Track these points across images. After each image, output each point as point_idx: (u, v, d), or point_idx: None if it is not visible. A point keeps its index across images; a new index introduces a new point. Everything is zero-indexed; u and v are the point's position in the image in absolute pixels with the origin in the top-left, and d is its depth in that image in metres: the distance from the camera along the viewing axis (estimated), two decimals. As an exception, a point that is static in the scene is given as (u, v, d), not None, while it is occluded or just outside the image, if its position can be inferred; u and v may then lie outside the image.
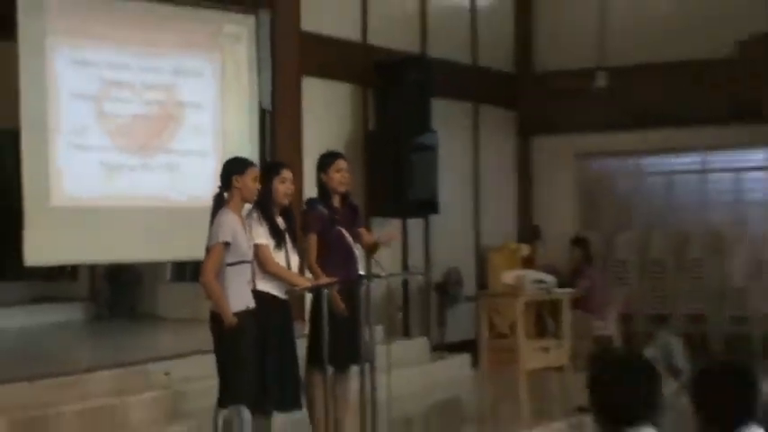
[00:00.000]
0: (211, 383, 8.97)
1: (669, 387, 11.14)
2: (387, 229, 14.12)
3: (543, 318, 14.01)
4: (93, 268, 15.82)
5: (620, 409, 4.49)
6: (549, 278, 14.19)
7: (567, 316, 13.84)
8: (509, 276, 13.79)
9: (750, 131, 18.04)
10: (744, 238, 18.87)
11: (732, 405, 4.44)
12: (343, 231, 9.71)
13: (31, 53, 11.97)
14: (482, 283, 16.71)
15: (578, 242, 17.36)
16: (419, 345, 15.18)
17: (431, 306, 16.89)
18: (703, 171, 19.61)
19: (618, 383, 4.46)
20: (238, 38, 13.83)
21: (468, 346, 15.69)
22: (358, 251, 9.77)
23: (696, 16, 18.07)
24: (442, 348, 15.83)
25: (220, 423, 8.64)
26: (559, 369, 13.59)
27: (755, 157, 19.20)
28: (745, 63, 17.40)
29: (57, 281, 15.31)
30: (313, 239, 9.72)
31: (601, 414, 4.52)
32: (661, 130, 18.22)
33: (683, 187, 19.76)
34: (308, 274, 9.82)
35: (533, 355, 13.31)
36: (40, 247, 11.26)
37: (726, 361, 5.57)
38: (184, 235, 11.75)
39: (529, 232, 18.23)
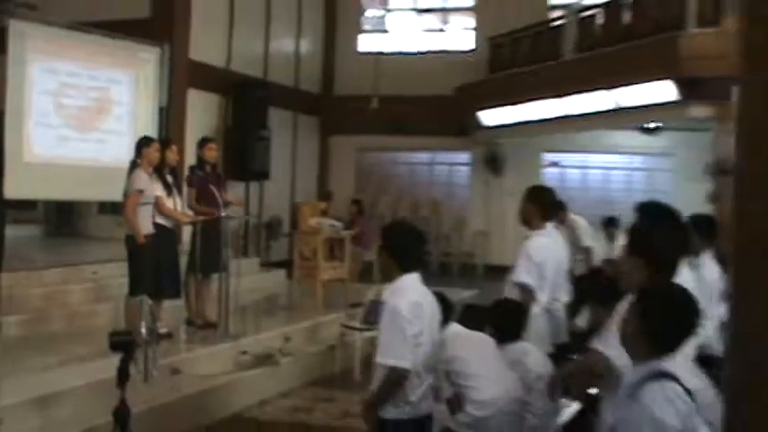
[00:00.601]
0: (124, 280, 9.44)
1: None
2: (236, 192, 14.38)
3: (333, 248, 13.92)
4: (47, 202, 15.72)
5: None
6: (338, 223, 14.16)
7: (347, 247, 13.85)
8: (313, 221, 13.73)
9: (460, 141, 19.50)
10: (451, 206, 20.28)
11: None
12: (213, 188, 10.19)
13: (16, 63, 12.18)
14: (294, 225, 16.70)
15: (355, 202, 17.90)
16: (254, 262, 15.51)
17: (261, 238, 17.38)
18: (431, 164, 20.93)
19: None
20: (148, 61, 13.97)
21: (284, 264, 16.06)
22: (221, 202, 10.08)
23: (434, 70, 19.07)
24: (268, 265, 16.28)
25: (130, 305, 8.98)
26: (342, 280, 13.55)
27: (462, 156, 20.51)
28: (460, 99, 18.51)
29: (24, 209, 14.69)
30: (193, 192, 10.36)
31: None
32: (408, 136, 19.32)
33: (419, 173, 21.07)
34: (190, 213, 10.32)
35: (327, 271, 13.22)
36: (15, 188, 10.53)
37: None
38: (108, 184, 11.33)
39: (324, 195, 18.68)
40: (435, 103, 18.64)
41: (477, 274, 18.32)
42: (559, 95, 15.94)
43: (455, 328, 5.91)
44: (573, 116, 16.04)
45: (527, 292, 6.49)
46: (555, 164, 19.88)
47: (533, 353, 6.12)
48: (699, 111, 13.79)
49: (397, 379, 4.89)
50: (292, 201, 18.63)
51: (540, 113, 16.85)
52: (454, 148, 20.11)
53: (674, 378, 3.37)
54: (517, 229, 19.12)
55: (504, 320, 6.17)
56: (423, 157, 20.91)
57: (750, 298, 2.82)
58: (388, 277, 5.15)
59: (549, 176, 19.90)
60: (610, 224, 13.54)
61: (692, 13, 13.44)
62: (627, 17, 14.86)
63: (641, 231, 4.23)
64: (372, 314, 10.97)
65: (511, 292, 6.59)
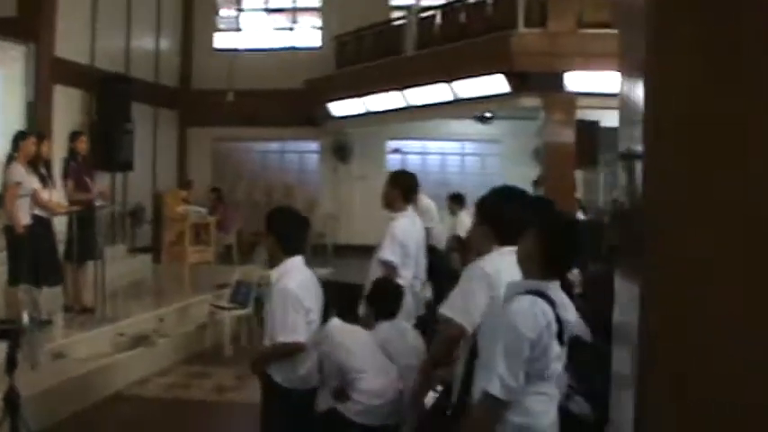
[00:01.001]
0: (3, 268, 9.30)
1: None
2: (103, 181, 13.83)
3: (199, 232, 13.92)
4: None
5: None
6: (203, 210, 14.40)
7: (211, 232, 13.97)
8: (180, 209, 13.72)
9: (309, 131, 19.46)
10: (303, 190, 20.07)
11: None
12: (86, 178, 10.28)
13: None
14: (157, 212, 16.39)
15: (214, 190, 18.02)
16: (121, 248, 15.39)
17: (126, 225, 16.96)
18: (283, 152, 20.84)
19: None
20: (16, 58, 13.45)
21: (149, 250, 16.00)
22: (95, 191, 10.28)
23: (285, 66, 18.93)
24: (134, 250, 16.12)
25: (10, 294, 8.77)
26: (208, 263, 13.59)
27: (312, 145, 20.47)
28: (309, 93, 18.47)
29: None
30: (71, 183, 10.16)
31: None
32: (262, 127, 19.20)
33: (272, 161, 20.94)
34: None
35: (194, 254, 13.25)
36: None
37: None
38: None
39: (185, 183, 18.19)
40: (286, 97, 18.51)
41: (328, 253, 18.24)
42: (402, 88, 16.12)
43: (335, 322, 5.75)
44: (415, 107, 16.25)
45: (391, 269, 6.48)
46: (397, 150, 20.10)
47: (410, 330, 6.10)
48: (528, 101, 14.25)
49: (291, 352, 4.94)
50: (154, 190, 18.11)
51: (384, 105, 16.99)
52: (304, 138, 20.09)
53: (547, 297, 3.37)
54: (363, 211, 19.47)
55: (383, 299, 6.08)
56: (275, 146, 20.83)
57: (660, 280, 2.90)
58: (275, 260, 5.12)
59: (392, 162, 19.97)
60: (455, 200, 13.76)
61: (521, 16, 13.78)
62: (462, 17, 15.15)
63: (489, 202, 4.24)
64: (239, 294, 11.10)
65: (376, 270, 6.54)
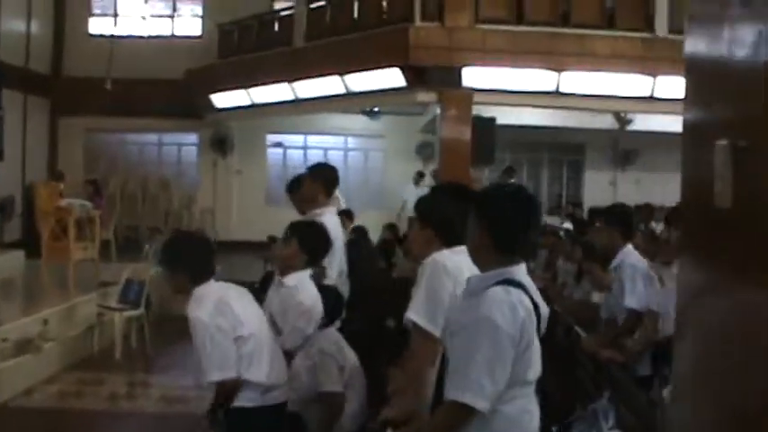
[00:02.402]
0: None
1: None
2: None
3: (83, 227, 13.04)
4: None
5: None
6: (88, 203, 13.30)
7: (96, 227, 12.85)
8: (64, 202, 12.71)
9: (189, 123, 18.73)
10: (180, 184, 19.36)
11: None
12: None
13: None
14: (29, 205, 15.37)
15: (91, 182, 16.47)
16: None
17: None
18: (160, 144, 20.11)
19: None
20: None
21: (21, 245, 14.82)
22: None
23: (164, 54, 18.20)
24: (3, 246, 14.98)
25: None
26: (93, 260, 12.68)
27: (191, 137, 19.84)
28: (190, 83, 17.74)
29: None
30: None
31: None
32: (138, 118, 18.24)
33: (149, 153, 20.23)
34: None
35: (78, 251, 12.27)
36: None
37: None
38: None
39: (57, 175, 16.53)
40: (166, 87, 17.63)
41: (207, 249, 17.44)
42: (292, 80, 15.55)
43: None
44: (305, 100, 15.70)
45: (320, 269, 5.93)
46: (279, 144, 19.83)
47: (345, 344, 5.57)
48: (424, 96, 13.93)
49: (231, 389, 4.41)
50: (24, 181, 17.07)
51: (271, 97, 16.40)
52: (183, 130, 19.48)
53: (521, 286, 3.01)
54: (242, 206, 18.85)
55: (326, 308, 5.39)
56: (152, 137, 20.06)
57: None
58: (181, 291, 4.55)
59: (273, 157, 20.01)
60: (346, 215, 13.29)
61: (418, 9, 13.44)
62: (356, 9, 14.69)
63: (429, 204, 4.06)
64: (129, 293, 10.42)
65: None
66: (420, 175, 17.42)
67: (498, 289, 2.96)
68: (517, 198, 3.14)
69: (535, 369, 3.02)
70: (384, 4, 14.34)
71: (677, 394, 2.52)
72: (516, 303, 2.93)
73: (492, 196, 3.22)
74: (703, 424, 2.41)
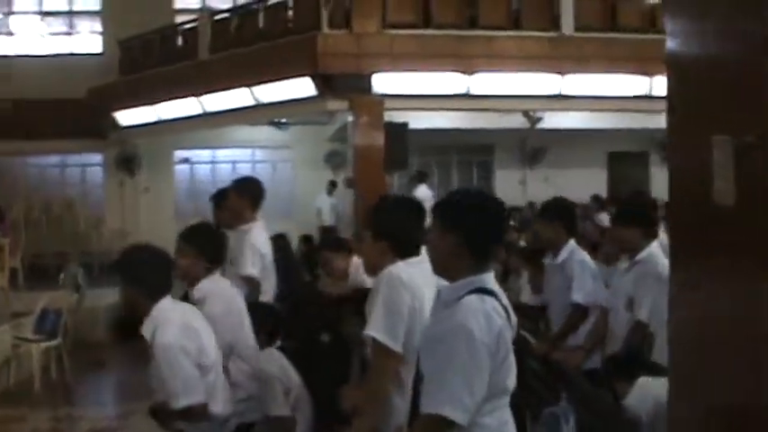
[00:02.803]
0: None
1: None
2: None
3: None
4: None
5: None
6: None
7: (4, 255, 12.31)
8: None
9: (93, 143, 18.10)
10: (87, 205, 18.64)
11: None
12: None
13: None
14: None
15: None
16: None
17: None
18: (64, 166, 19.49)
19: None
20: None
21: None
22: None
23: (64, 73, 17.28)
24: None
25: None
26: (2, 289, 12.01)
27: (96, 158, 19.25)
28: (92, 102, 17.17)
29: None
30: None
31: None
32: (39, 140, 17.41)
33: (52, 176, 19.52)
34: None
35: None
36: None
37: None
38: None
39: None
40: (67, 106, 16.98)
41: (119, 272, 16.89)
42: (199, 94, 15.19)
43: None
44: (213, 113, 15.37)
45: (254, 284, 5.96)
46: (186, 160, 19.41)
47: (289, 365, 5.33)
48: (334, 104, 13.80)
49: (199, 415, 4.08)
50: None
51: (178, 112, 16.00)
52: (87, 150, 18.82)
53: (494, 294, 2.93)
54: (151, 225, 18.30)
55: (265, 327, 5.23)
56: (54, 160, 19.35)
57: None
58: (139, 311, 4.17)
59: (181, 173, 19.60)
60: None
61: (325, 16, 13.28)
62: (261, 19, 14.44)
63: (382, 216, 3.92)
64: (45, 323, 10.05)
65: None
66: (333, 185, 17.29)
67: (472, 298, 2.87)
68: (490, 205, 3.07)
69: (512, 379, 2.92)
70: (290, 12, 14.12)
71: (677, 394, 2.44)
72: (491, 312, 2.84)
73: (465, 204, 3.07)
74: (707, 425, 2.31)
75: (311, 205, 17.42)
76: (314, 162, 18.73)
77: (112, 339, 10.97)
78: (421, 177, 15.64)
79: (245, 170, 19.25)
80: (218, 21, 15.27)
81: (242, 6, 15.01)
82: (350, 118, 13.86)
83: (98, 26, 19.09)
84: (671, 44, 2.40)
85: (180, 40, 16.20)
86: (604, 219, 14.05)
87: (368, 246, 3.94)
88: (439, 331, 2.90)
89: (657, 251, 4.95)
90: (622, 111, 14.77)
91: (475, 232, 2.96)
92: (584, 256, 5.62)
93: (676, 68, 2.39)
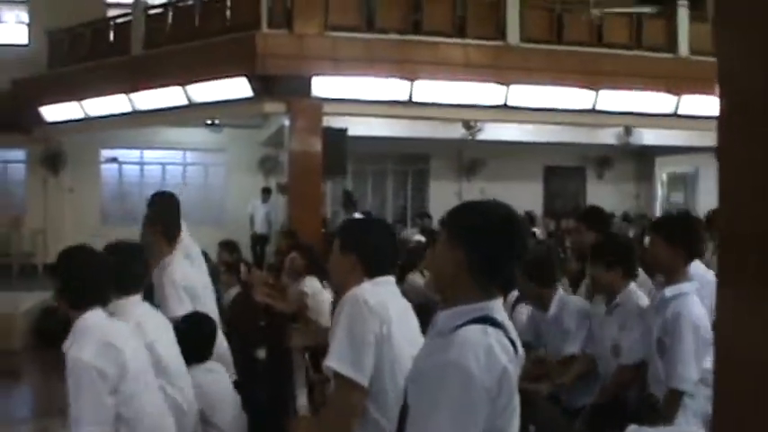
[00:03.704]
0: None
1: None
2: None
3: None
4: None
5: None
6: None
7: None
8: None
9: (15, 138, 16.99)
10: (6, 204, 17.88)
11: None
12: None
13: None
14: None
15: None
16: None
17: None
18: None
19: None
20: None
21: None
22: None
23: None
24: None
25: None
26: None
27: (18, 154, 18.33)
28: (16, 95, 16.41)
29: None
30: None
31: None
32: None
33: None
34: None
35: None
36: None
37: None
38: None
39: None
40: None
41: (39, 274, 16.01)
42: (129, 91, 14.46)
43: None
44: (144, 112, 14.63)
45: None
46: (114, 160, 18.66)
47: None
48: (271, 107, 13.31)
49: None
50: None
51: (107, 109, 15.22)
52: (9, 145, 17.78)
53: (501, 326, 2.47)
54: (75, 226, 17.62)
55: (193, 339, 4.68)
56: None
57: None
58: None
59: (108, 173, 18.86)
60: None
61: (265, 15, 12.73)
62: (197, 16, 13.76)
63: (354, 230, 3.69)
64: None
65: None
66: (266, 191, 16.76)
67: (474, 328, 2.41)
68: (509, 221, 2.54)
69: (515, 426, 2.47)
70: (228, 10, 13.51)
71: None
72: (495, 346, 2.38)
73: (478, 216, 2.56)
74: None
75: (244, 211, 16.86)
76: (247, 166, 18.22)
77: (31, 347, 10.28)
78: (349, 203, 14.84)
79: (175, 172, 18.97)
80: (152, 15, 14.55)
81: (178, 1, 14.26)
82: (286, 122, 13.32)
83: (24, 16, 18.24)
84: (724, 62, 2.18)
85: (112, 35, 15.38)
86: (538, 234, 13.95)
87: (335, 257, 3.50)
88: (430, 365, 2.44)
89: (634, 288, 4.63)
90: (566, 124, 14.59)
91: (485, 250, 2.48)
92: (580, 302, 5.18)
93: (729, 87, 2.18)
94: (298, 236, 9.97)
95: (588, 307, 5.02)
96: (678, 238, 4.19)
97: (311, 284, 7.53)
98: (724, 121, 2.12)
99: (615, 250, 4.73)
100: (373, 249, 3.39)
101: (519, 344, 2.52)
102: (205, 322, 4.89)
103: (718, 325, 2.12)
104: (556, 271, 5.22)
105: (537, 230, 14.32)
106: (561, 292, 5.12)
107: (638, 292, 4.61)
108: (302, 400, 4.37)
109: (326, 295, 7.43)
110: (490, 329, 2.42)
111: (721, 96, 2.11)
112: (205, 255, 6.72)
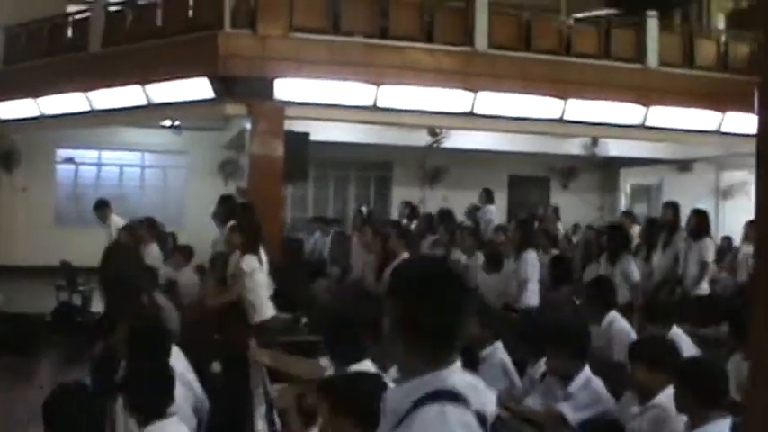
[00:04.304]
0: None
1: None
2: None
3: None
4: None
5: None
6: None
7: None
8: None
9: None
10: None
11: None
12: None
13: None
14: None
15: None
16: None
17: None
18: None
19: None
20: None
21: None
22: None
23: None
24: None
25: None
26: None
27: None
28: None
29: None
30: None
31: None
32: None
33: None
34: None
35: None
36: None
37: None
38: None
39: None
40: None
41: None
42: (86, 90, 14.02)
43: None
44: (101, 111, 14.19)
45: None
46: (70, 160, 18.20)
47: None
48: (233, 109, 12.97)
49: None
50: None
51: (63, 108, 14.76)
52: None
53: (460, 398, 2.16)
54: (27, 227, 17.17)
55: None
56: None
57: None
58: None
59: (63, 174, 18.39)
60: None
61: (228, 15, 12.38)
62: (159, 14, 13.40)
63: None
64: None
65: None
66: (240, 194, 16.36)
67: (431, 411, 2.12)
68: (449, 277, 2.29)
69: None
70: (190, 10, 13.16)
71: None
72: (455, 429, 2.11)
73: (403, 280, 2.31)
74: None
75: (204, 216, 16.44)
76: (208, 170, 17.86)
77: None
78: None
79: (133, 175, 18.64)
80: (112, 12, 14.07)
81: (138, -1, 13.90)
82: (248, 125, 13.00)
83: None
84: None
85: (70, 31, 14.89)
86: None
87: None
88: None
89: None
90: (534, 133, 14.42)
91: (429, 314, 2.20)
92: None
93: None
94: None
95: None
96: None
97: (248, 263, 7.46)
98: (764, 135, 2.11)
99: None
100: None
101: (489, 408, 2.24)
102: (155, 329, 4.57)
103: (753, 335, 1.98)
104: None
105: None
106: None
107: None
108: (260, 418, 4.08)
109: (262, 275, 7.53)
110: (449, 408, 2.13)
111: (761, 110, 2.09)
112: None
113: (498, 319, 5.92)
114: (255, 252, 7.53)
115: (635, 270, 8.56)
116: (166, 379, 3.87)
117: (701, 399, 3.86)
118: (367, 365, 3.84)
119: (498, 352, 5.53)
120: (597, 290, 6.57)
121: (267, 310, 7.44)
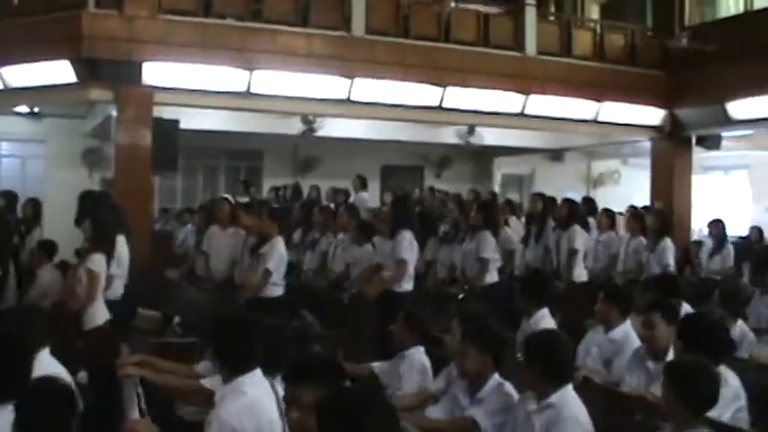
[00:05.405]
0: None
1: None
2: None
3: None
4: None
5: None
6: None
7: None
8: None
9: None
10: None
11: None
12: None
13: None
14: None
15: None
16: None
17: None
18: None
19: None
20: None
21: None
22: None
23: None
24: None
25: None
26: None
27: None
28: None
29: None
30: None
31: None
32: None
33: None
34: None
35: None
36: None
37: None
38: None
39: None
40: None
41: None
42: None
43: None
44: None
45: None
46: None
47: None
48: (97, 94, 12.26)
49: None
50: None
51: None
52: None
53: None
54: None
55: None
56: None
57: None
58: None
59: None
60: None
61: (93, -6, 11.77)
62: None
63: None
64: None
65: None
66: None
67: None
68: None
69: None
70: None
71: None
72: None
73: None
74: None
75: (66, 208, 15.74)
76: (70, 159, 17.04)
77: None
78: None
79: None
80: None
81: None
82: (113, 111, 12.37)
83: None
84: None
85: None
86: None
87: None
88: None
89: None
90: (412, 121, 14.32)
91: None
92: None
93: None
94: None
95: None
96: None
97: (98, 261, 7.04)
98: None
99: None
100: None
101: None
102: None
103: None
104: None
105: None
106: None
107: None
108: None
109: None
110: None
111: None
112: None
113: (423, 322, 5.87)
114: (107, 250, 7.13)
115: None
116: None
117: (690, 405, 3.75)
118: (258, 376, 3.59)
119: (418, 354, 5.65)
120: None
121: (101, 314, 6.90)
